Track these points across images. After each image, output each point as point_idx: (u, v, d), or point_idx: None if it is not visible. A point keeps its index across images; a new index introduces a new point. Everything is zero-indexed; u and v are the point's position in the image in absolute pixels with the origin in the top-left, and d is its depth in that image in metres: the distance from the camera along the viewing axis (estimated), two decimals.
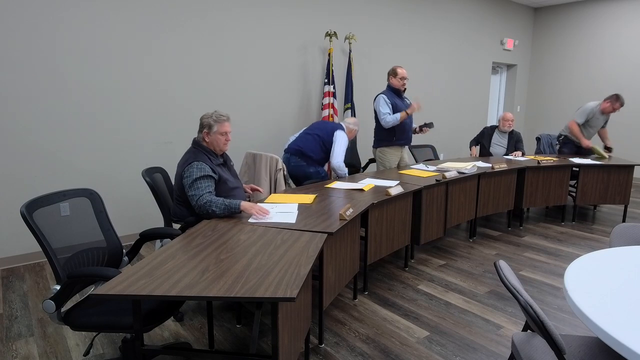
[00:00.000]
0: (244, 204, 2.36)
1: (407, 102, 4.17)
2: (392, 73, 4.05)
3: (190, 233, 2.03)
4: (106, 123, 3.74)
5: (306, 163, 3.71)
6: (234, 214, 2.36)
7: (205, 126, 2.51)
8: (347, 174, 3.70)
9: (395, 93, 4.08)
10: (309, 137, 3.76)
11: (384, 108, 3.97)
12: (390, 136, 4.11)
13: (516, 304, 2.83)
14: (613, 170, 4.52)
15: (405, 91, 4.21)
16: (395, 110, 4.00)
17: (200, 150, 2.50)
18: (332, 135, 3.68)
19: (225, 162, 2.67)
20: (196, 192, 2.34)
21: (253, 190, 2.94)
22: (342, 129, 3.77)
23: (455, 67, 6.96)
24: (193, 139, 2.59)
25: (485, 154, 5.19)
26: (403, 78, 4.03)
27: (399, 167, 4.23)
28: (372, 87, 5.81)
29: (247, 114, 4.63)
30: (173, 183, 2.65)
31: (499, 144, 5.09)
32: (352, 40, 5.30)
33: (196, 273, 1.56)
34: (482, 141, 5.19)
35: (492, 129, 5.17)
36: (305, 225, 2.17)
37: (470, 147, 5.26)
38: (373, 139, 4.30)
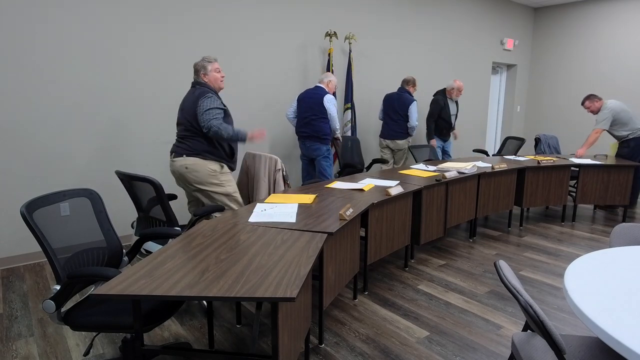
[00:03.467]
0: (251, 133, 2.91)
1: None
2: (413, 84, 5.03)
3: (190, 233, 2.03)
4: (106, 123, 3.74)
5: (320, 143, 4.30)
6: (239, 141, 2.91)
7: (200, 69, 2.93)
8: (337, 126, 4.31)
9: None
10: (313, 120, 4.24)
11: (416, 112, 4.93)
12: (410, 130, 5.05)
13: (516, 304, 2.83)
14: (613, 170, 4.52)
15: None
16: None
17: (206, 87, 2.92)
18: (323, 104, 4.19)
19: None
20: (209, 117, 2.78)
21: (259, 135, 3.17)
22: (325, 91, 4.25)
23: (455, 67, 6.97)
24: (193, 82, 2.98)
25: (445, 126, 5.21)
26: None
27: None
28: (372, 87, 5.81)
29: (247, 114, 4.63)
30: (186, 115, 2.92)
31: (452, 112, 5.19)
32: (352, 40, 5.30)
33: (196, 273, 1.56)
34: (442, 114, 5.14)
35: (444, 97, 5.20)
36: (305, 225, 2.17)
37: (429, 140, 5.25)
38: (396, 132, 5.04)
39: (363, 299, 2.87)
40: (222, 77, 3.00)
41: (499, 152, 5.62)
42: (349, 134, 5.29)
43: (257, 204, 2.59)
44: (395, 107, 4.97)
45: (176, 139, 2.99)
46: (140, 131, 3.93)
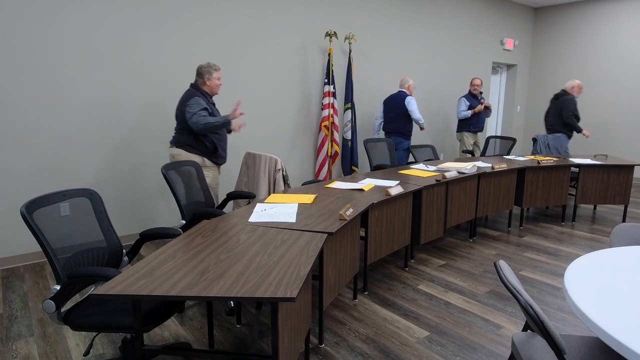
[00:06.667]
0: (232, 118, 3.25)
1: (482, 102, 5.82)
2: (470, 83, 5.82)
3: (190, 233, 2.03)
4: (106, 123, 3.74)
5: (403, 137, 5.19)
6: (224, 126, 3.27)
7: (205, 73, 3.31)
8: (424, 124, 5.14)
9: (472, 96, 5.79)
10: (396, 118, 5.14)
11: (462, 106, 5.80)
12: (468, 125, 5.83)
13: (516, 304, 2.83)
14: (613, 170, 4.52)
15: (481, 94, 5.89)
16: (471, 108, 5.76)
17: (197, 91, 3.30)
18: (404, 104, 5.05)
19: (214, 104, 3.45)
20: (196, 119, 3.15)
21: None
22: (406, 94, 5.10)
23: (456, 67, 6.97)
24: (191, 83, 3.37)
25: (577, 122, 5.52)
26: (476, 85, 5.76)
27: (472, 149, 5.87)
28: (372, 87, 5.81)
29: (247, 114, 4.63)
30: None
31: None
32: (352, 40, 5.30)
33: (196, 273, 1.56)
34: (575, 111, 5.48)
35: (571, 95, 5.52)
36: (305, 225, 2.17)
37: (580, 132, 5.48)
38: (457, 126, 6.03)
39: (363, 299, 2.87)
40: (220, 85, 3.41)
41: (483, 153, 5.65)
42: (348, 134, 5.29)
43: (257, 204, 2.59)
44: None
45: (174, 130, 3.43)
46: (141, 131, 3.93)
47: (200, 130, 3.18)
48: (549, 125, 5.71)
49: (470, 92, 5.83)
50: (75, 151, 3.62)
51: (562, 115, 5.49)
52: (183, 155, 3.28)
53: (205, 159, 3.36)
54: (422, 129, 5.25)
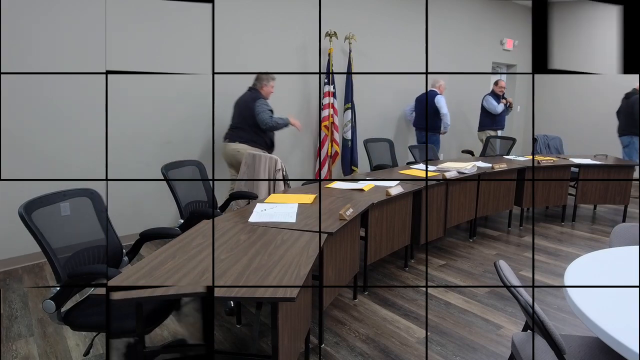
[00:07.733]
0: (292, 120, 3.89)
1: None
2: (496, 83, 6.05)
3: (190, 233, 2.03)
4: (106, 123, 3.73)
5: (432, 133, 5.59)
6: (285, 126, 3.84)
7: (263, 80, 3.88)
8: (449, 122, 5.49)
9: (496, 96, 6.01)
10: (425, 115, 5.57)
11: (493, 102, 5.99)
12: (490, 123, 6.05)
13: (516, 304, 2.83)
14: (613, 170, 4.52)
15: (503, 95, 6.09)
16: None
17: (259, 93, 3.86)
18: (434, 103, 5.44)
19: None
20: (264, 116, 3.71)
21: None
22: (436, 93, 5.48)
23: (455, 67, 6.96)
24: (250, 87, 3.92)
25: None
26: (502, 87, 6.00)
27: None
28: (372, 87, 5.81)
29: None
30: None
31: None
32: (352, 40, 5.30)
33: (196, 273, 1.56)
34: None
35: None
36: (305, 225, 2.17)
37: None
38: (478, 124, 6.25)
39: (363, 299, 2.87)
40: (272, 92, 3.96)
41: (483, 153, 5.65)
42: (348, 134, 5.29)
43: (257, 204, 2.59)
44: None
45: (230, 129, 3.90)
46: (141, 131, 3.93)
47: (267, 127, 3.72)
48: (622, 128, 5.39)
49: (493, 92, 6.02)
50: (75, 151, 3.61)
51: (635, 116, 5.09)
52: (247, 149, 3.68)
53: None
54: (445, 130, 5.57)
